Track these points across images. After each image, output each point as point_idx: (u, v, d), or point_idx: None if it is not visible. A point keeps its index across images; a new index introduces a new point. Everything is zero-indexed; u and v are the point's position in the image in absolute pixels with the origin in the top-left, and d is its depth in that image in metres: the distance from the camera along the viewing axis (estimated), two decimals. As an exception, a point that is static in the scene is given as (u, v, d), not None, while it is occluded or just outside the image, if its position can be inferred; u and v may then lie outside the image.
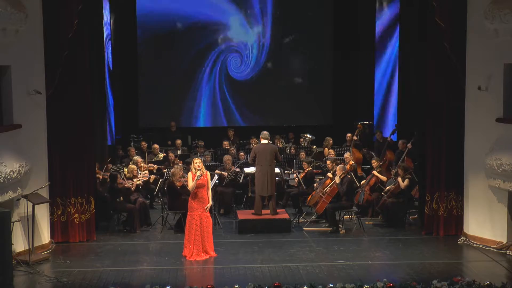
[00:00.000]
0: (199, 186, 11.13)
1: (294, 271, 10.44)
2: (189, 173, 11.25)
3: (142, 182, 13.83)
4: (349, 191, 12.87)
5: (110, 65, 17.41)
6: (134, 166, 13.93)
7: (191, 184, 11.12)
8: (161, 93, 18.87)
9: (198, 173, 11.09)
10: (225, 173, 14.17)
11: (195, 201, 11.16)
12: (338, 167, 12.91)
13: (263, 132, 13.26)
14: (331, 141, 16.11)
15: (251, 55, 19.09)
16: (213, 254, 11.25)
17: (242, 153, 15.51)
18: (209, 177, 11.34)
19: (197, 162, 11.20)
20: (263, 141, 13.08)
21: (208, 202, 11.23)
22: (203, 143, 16.54)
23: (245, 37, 19.03)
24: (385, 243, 12.06)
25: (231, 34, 18.98)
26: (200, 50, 18.91)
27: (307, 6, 18.94)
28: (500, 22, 11.04)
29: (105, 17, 15.81)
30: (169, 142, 17.06)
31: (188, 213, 11.28)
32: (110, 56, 17.39)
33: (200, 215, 11.15)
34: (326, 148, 15.77)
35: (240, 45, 19.05)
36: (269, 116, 19.18)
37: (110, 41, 17.36)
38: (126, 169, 14.13)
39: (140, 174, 14.08)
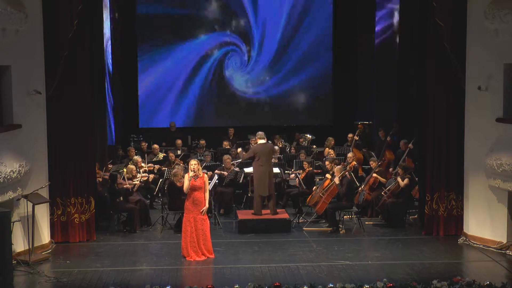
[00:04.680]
0: (194, 189, 11.01)
1: (294, 271, 10.44)
2: (186, 174, 11.20)
3: (141, 182, 13.79)
4: (349, 191, 12.86)
5: (110, 65, 17.41)
6: (133, 167, 13.91)
7: (185, 184, 11.10)
8: (161, 93, 18.89)
9: (191, 173, 11.02)
10: (225, 173, 14.17)
11: (190, 203, 11.07)
12: (336, 169, 12.90)
13: (258, 132, 13.25)
14: (333, 142, 16.12)
15: (251, 55, 19.10)
16: (211, 256, 11.16)
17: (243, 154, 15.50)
18: (206, 179, 11.20)
19: (192, 164, 11.09)
20: (261, 141, 13.07)
21: (204, 205, 11.15)
22: (204, 142, 16.54)
23: (245, 37, 19.05)
24: (385, 243, 12.06)
25: (231, 34, 19.00)
26: (200, 50, 18.94)
27: (307, 6, 18.98)
28: (500, 22, 11.03)
29: (105, 17, 15.83)
30: (164, 144, 17.03)
31: (184, 214, 11.24)
32: (110, 56, 17.38)
33: (195, 218, 11.05)
34: (327, 148, 15.77)
35: (240, 45, 19.06)
36: (269, 116, 19.21)
37: (110, 41, 17.36)
38: (126, 170, 14.13)
39: (139, 174, 14.07)
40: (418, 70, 13.09)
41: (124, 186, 13.03)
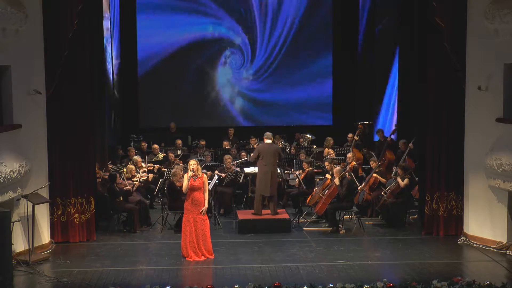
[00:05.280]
0: (193, 189, 11.00)
1: (294, 271, 10.44)
2: (185, 175, 11.20)
3: (141, 182, 13.79)
4: (349, 192, 12.86)
5: (110, 66, 17.41)
6: (132, 166, 13.92)
7: (184, 184, 11.10)
8: (161, 93, 18.89)
9: (190, 173, 11.02)
10: (223, 174, 14.13)
11: (190, 204, 11.06)
12: (335, 170, 12.89)
13: (266, 132, 13.29)
14: (332, 142, 16.12)
15: (251, 56, 19.10)
16: (211, 257, 11.15)
17: (243, 153, 15.49)
18: (205, 180, 11.18)
19: (192, 164, 11.09)
20: (267, 141, 13.08)
21: (204, 205, 11.12)
22: (204, 142, 16.53)
23: (245, 37, 19.06)
24: (385, 243, 12.06)
25: (231, 34, 19.01)
26: (200, 50, 18.94)
27: (307, 6, 19.00)
28: (500, 22, 11.03)
29: (106, 16, 15.83)
30: (163, 144, 17.02)
31: (183, 214, 11.24)
32: (110, 56, 17.38)
33: (194, 218, 11.04)
34: (327, 148, 15.78)
35: (240, 45, 19.07)
36: (269, 116, 19.21)
37: (110, 41, 17.36)
38: (125, 170, 14.12)
39: (139, 174, 14.07)
40: (418, 70, 13.07)
41: (124, 188, 13.03)
